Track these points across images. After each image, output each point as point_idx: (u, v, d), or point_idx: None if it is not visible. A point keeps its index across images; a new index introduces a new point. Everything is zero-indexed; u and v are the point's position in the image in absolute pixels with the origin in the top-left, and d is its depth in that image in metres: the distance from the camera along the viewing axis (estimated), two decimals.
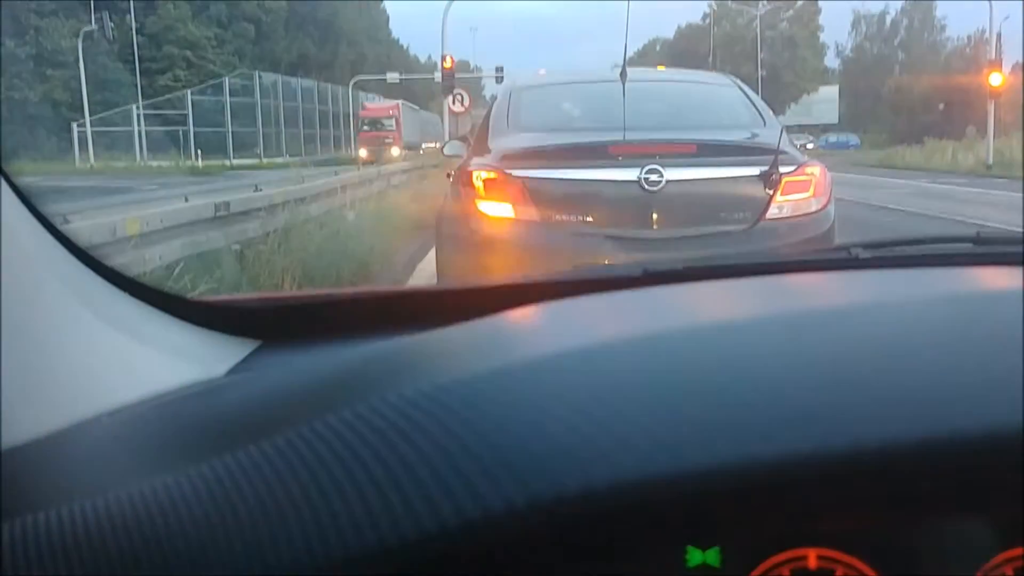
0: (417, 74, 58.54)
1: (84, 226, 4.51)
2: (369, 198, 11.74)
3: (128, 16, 41.02)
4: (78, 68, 33.63)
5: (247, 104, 38.60)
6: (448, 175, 5.06)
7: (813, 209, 4.18)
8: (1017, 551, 0.53)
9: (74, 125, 32.93)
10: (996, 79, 25.30)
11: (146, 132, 35.06)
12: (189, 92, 36.94)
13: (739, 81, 5.26)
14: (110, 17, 35.87)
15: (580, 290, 0.82)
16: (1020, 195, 13.49)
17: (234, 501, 0.48)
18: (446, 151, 5.65)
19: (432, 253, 6.15)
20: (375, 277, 7.64)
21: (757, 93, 5.20)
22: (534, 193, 4.04)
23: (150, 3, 43.22)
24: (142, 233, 5.19)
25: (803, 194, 4.16)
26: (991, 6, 26.75)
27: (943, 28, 67.86)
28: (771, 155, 4.04)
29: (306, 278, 6.44)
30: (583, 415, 0.51)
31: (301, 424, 0.53)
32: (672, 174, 4.03)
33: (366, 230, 8.80)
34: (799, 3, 66.07)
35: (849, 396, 0.52)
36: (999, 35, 27.75)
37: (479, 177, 4.13)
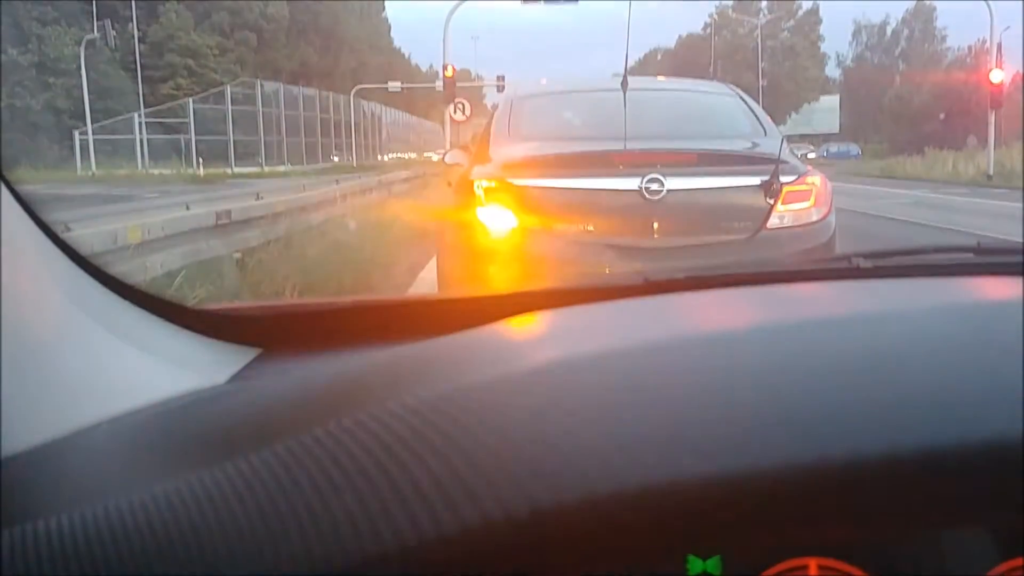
0: (418, 83, 58.68)
1: (86, 234, 4.52)
2: (370, 207, 11.76)
3: (130, 24, 41.11)
4: (80, 76, 33.67)
5: (249, 112, 38.61)
6: (449, 184, 5.06)
7: (814, 219, 4.19)
8: (1018, 561, 0.53)
9: (76, 133, 32.92)
10: (997, 75, 25.18)
11: (148, 140, 35.07)
12: (191, 100, 36.95)
13: (739, 90, 5.27)
14: (112, 25, 35.93)
15: (581, 299, 0.82)
16: (1021, 205, 13.50)
17: (234, 508, 0.48)
18: (447, 160, 5.66)
19: (433, 262, 6.15)
20: (376, 286, 7.64)
21: (758, 102, 5.20)
22: (535, 202, 4.04)
23: (152, 11, 43.34)
24: (143, 241, 5.20)
25: (804, 204, 4.17)
26: (991, 16, 26.77)
27: (943, 38, 68.04)
28: (772, 165, 4.04)
29: (307, 286, 6.43)
30: (584, 423, 0.51)
31: (302, 432, 0.53)
32: (673, 183, 4.03)
33: (367, 239, 8.80)
34: (800, 13, 66.28)
35: (850, 405, 0.52)
36: (999, 45, 27.69)
37: (480, 186, 4.13)
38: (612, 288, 0.96)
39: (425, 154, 44.79)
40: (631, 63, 4.50)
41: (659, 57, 78.43)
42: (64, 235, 0.77)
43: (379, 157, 48.61)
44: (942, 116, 49.12)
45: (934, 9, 67.68)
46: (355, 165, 38.68)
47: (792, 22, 66.17)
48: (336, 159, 41.82)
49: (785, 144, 4.23)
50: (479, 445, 0.49)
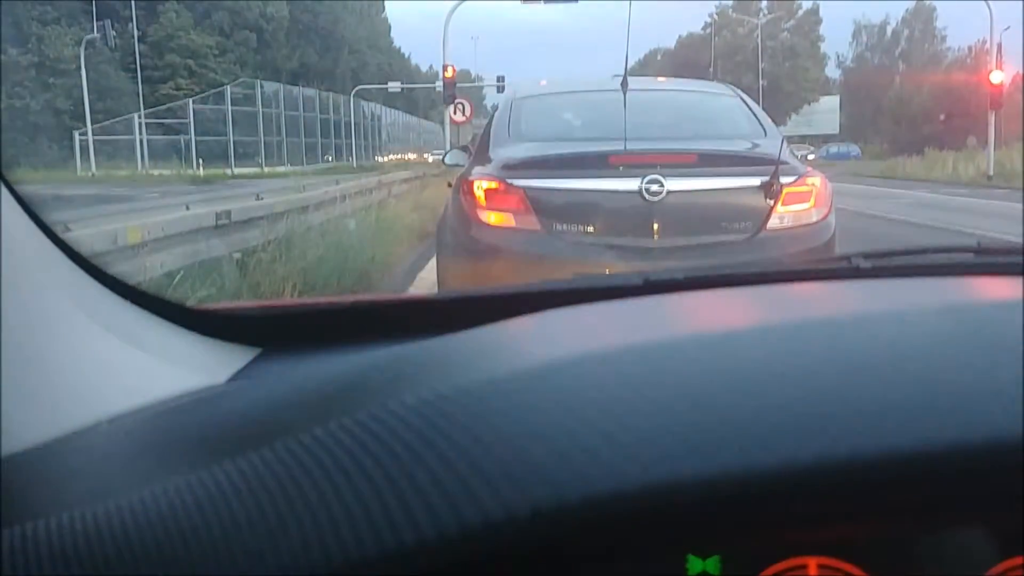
0: (418, 83, 58.75)
1: (86, 234, 4.52)
2: (370, 207, 11.75)
3: (130, 24, 41.13)
4: (80, 76, 33.67)
5: (249, 113, 38.62)
6: (449, 184, 5.07)
7: (814, 219, 4.19)
8: (1018, 560, 0.53)
9: (76, 133, 32.94)
10: (997, 76, 25.22)
11: (147, 141, 35.10)
12: (191, 101, 36.97)
13: (739, 91, 5.27)
14: (112, 25, 35.93)
15: (581, 299, 0.82)
16: (1020, 206, 13.50)
17: (234, 508, 0.48)
18: (447, 160, 5.66)
19: (433, 262, 6.16)
20: (376, 286, 7.64)
21: (758, 103, 5.20)
22: (535, 202, 4.04)
23: (152, 12, 43.36)
24: (143, 241, 5.19)
25: (804, 204, 4.17)
26: (991, 17, 26.78)
27: (944, 39, 68.16)
28: (772, 165, 4.04)
29: (307, 286, 6.43)
30: (584, 423, 0.51)
31: (302, 431, 0.53)
32: (673, 184, 4.03)
33: (367, 239, 8.80)
34: (800, 13, 66.32)
35: (850, 405, 0.52)
36: (1000, 45, 27.71)
37: (480, 186, 4.13)
38: (612, 288, 0.96)
39: (423, 155, 44.90)
40: (631, 63, 4.50)
41: (659, 57, 78.52)
42: (64, 235, 0.77)
43: (377, 158, 48.56)
44: (942, 117, 49.13)
45: (934, 9, 67.87)
46: (355, 166, 38.69)
47: (792, 22, 66.25)
48: (330, 159, 41.41)
49: (785, 145, 4.24)
50: (479, 445, 0.49)
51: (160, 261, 5.39)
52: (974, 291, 0.89)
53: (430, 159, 42.83)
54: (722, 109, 5.00)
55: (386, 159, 48.32)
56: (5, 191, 0.70)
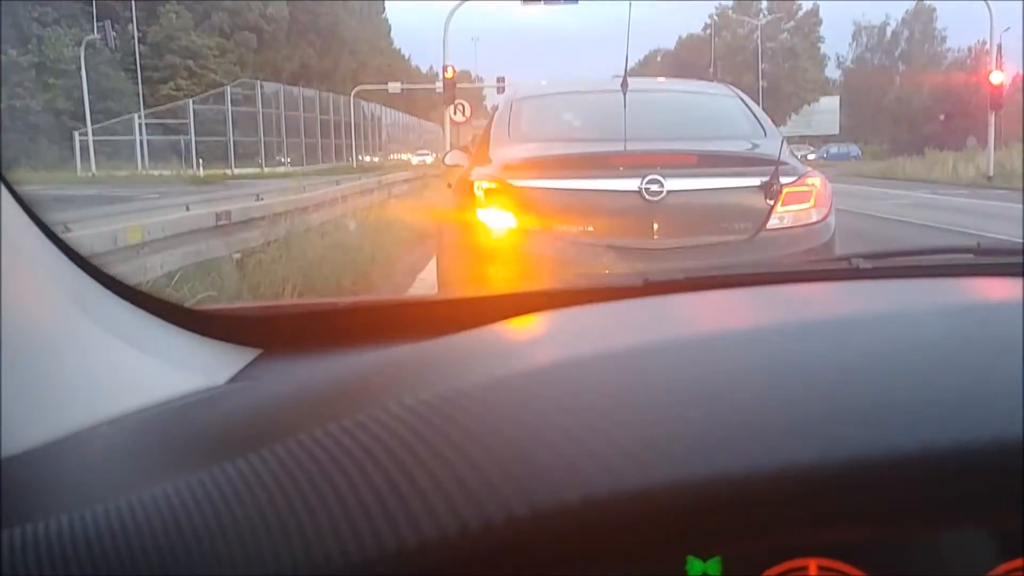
0: (419, 84, 58.72)
1: (85, 235, 4.52)
2: (370, 207, 11.75)
3: (130, 25, 41.19)
4: (80, 77, 33.69)
5: (249, 113, 38.65)
6: (449, 185, 5.07)
7: (814, 220, 4.19)
8: (1017, 562, 0.53)
9: (76, 134, 32.95)
10: (997, 77, 25.21)
11: (148, 141, 35.13)
12: (191, 101, 37.00)
13: (739, 91, 5.26)
14: (112, 26, 35.96)
15: (581, 300, 0.82)
16: (1020, 206, 13.50)
17: (235, 509, 0.48)
18: (447, 161, 5.66)
19: (433, 263, 6.16)
20: (376, 286, 7.64)
21: (758, 103, 5.20)
22: (535, 203, 4.04)
23: (152, 12, 43.38)
24: (143, 242, 5.19)
25: (804, 205, 4.17)
26: (991, 17, 26.77)
27: (943, 39, 68.13)
28: (772, 166, 4.05)
29: (307, 287, 6.44)
30: (584, 425, 0.50)
31: (302, 432, 0.53)
32: (673, 184, 4.03)
33: (367, 239, 8.80)
34: (800, 14, 66.36)
35: (850, 407, 0.52)
36: (999, 46, 27.72)
37: (480, 187, 4.13)
38: (612, 289, 0.96)
39: (411, 159, 44.84)
40: (631, 64, 4.51)
41: (659, 58, 78.52)
42: (64, 236, 0.78)
43: (363, 157, 48.27)
44: (942, 117, 49.22)
45: (934, 10, 67.84)
46: (355, 166, 38.68)
47: (792, 23, 66.30)
48: (288, 161, 39.32)
49: (785, 145, 4.24)
50: (479, 446, 0.49)
51: (160, 262, 5.40)
52: (974, 292, 0.89)
53: (414, 160, 42.16)
54: (722, 109, 5.00)
55: (368, 159, 47.84)
56: (5, 191, 0.70)
